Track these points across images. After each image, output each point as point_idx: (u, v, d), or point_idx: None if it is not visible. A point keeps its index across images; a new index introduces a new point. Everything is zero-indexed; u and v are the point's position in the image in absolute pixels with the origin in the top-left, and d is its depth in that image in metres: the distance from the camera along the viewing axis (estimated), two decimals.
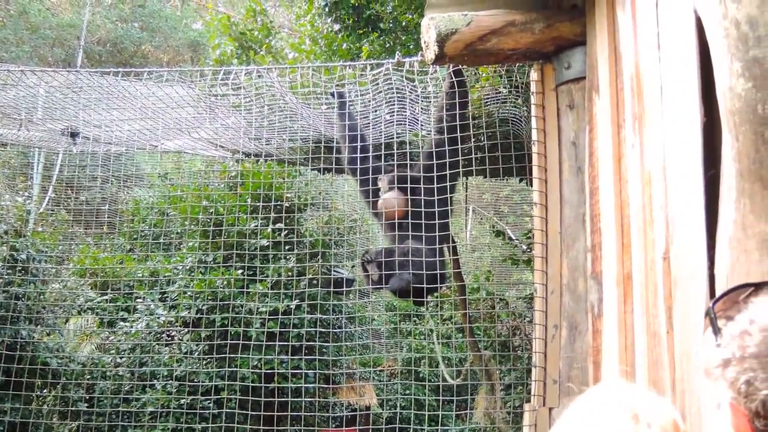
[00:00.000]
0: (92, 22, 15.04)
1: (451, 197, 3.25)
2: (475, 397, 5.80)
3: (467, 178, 7.25)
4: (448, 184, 2.98)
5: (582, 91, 2.11)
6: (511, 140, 3.14)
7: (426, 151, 3.67)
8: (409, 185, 3.27)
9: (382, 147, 3.56)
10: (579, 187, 2.07)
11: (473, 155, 3.10)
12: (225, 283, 5.11)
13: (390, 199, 3.32)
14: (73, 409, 4.38)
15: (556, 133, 2.30)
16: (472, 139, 3.49)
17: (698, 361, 0.90)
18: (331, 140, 4.74)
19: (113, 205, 7.77)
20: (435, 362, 6.44)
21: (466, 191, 7.92)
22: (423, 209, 3.01)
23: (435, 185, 2.98)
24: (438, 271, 2.92)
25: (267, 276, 5.77)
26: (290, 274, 6.06)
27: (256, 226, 6.21)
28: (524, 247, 6.25)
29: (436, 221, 2.94)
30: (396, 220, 3.25)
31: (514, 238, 7.28)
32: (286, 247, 6.51)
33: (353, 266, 9.10)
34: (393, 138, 4.47)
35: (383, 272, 3.03)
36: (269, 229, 5.77)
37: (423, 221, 3.02)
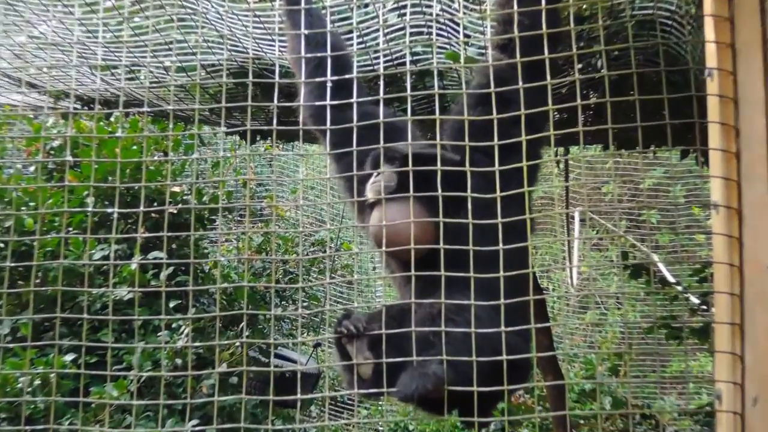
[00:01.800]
0: None
1: (529, 194, 3.19)
2: None
3: (566, 151, 7.24)
4: (524, 164, 2.95)
5: None
6: (661, 69, 3.16)
7: (474, 92, 3.60)
8: (435, 179, 3.15)
9: (381, 83, 3.53)
10: None
11: (579, 101, 3.01)
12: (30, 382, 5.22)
13: (395, 219, 3.35)
14: None
15: (761, 53, 2.51)
16: (577, 67, 3.50)
17: None
18: (271, 67, 4.76)
19: None
20: None
21: (566, 178, 8.67)
22: (468, 222, 3.03)
23: (494, 167, 3.00)
24: (506, 356, 2.86)
25: (125, 367, 5.85)
26: (179, 362, 6.09)
27: (105, 256, 6.27)
28: (695, 300, 6.13)
29: (499, 247, 2.95)
30: (409, 253, 3.27)
31: (672, 280, 7.46)
32: (171, 303, 6.34)
33: (318, 346, 9.45)
34: (404, 60, 4.48)
35: (384, 359, 3.08)
36: (134, 265, 5.73)
37: (470, 250, 3.03)
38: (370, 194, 3.59)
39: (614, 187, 10.77)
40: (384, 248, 3.20)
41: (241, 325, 6.25)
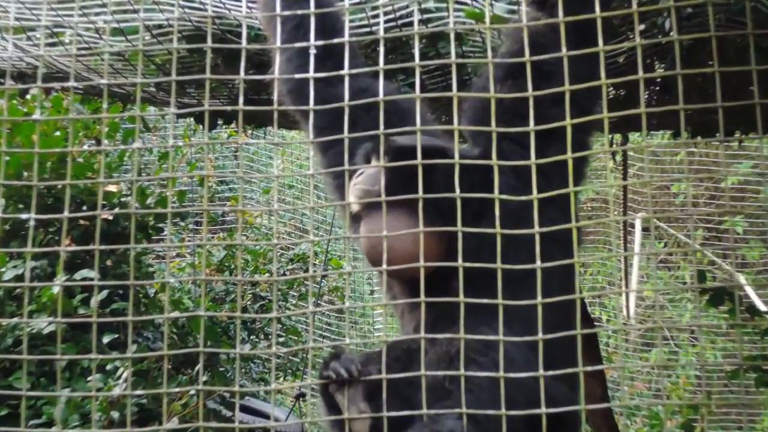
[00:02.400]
0: None
1: (576, 195, 3.43)
2: None
3: (624, 140, 7.48)
4: (568, 156, 3.02)
5: None
6: (748, 33, 3.23)
7: (503, 62, 3.75)
8: (438, 179, 3.37)
9: (381, 50, 3.46)
10: None
11: (641, 74, 3.35)
12: None
13: (395, 231, 3.38)
14: None
15: None
16: (638, 29, 3.90)
17: None
18: (236, 29, 4.93)
19: None
20: None
21: (624, 175, 8.84)
22: (494, 233, 3.06)
23: (529, 160, 3.04)
24: (546, 409, 2.92)
25: (44, 422, 6.05)
26: (115, 415, 6.22)
27: (19, 275, 6.45)
28: None
29: (536, 265, 2.97)
30: (409, 272, 3.34)
31: (763, 308, 7.60)
32: (105, 338, 6.58)
33: (300, 397, 9.54)
34: (411, 20, 4.65)
35: (384, 412, 3.09)
36: (56, 287, 6.01)
37: (497, 268, 3.05)
38: (351, 198, 3.62)
39: (687, 187, 10.81)
40: (374, 266, 3.20)
41: (197, 368, 6.21)
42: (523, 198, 3.02)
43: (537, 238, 2.94)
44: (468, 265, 3.11)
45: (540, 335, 2.96)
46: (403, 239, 3.43)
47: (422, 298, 3.15)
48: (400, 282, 3.88)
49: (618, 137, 6.94)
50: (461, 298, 3.09)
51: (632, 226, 11.75)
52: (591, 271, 14.28)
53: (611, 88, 5.20)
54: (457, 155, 3.11)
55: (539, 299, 3.00)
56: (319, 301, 10.02)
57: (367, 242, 3.71)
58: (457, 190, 3.03)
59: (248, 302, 9.61)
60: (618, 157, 8.58)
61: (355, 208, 3.80)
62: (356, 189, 3.83)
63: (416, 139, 3.25)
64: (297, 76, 3.56)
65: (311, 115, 3.27)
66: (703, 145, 10.60)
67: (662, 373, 11.33)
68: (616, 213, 9.13)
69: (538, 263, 2.92)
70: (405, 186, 3.30)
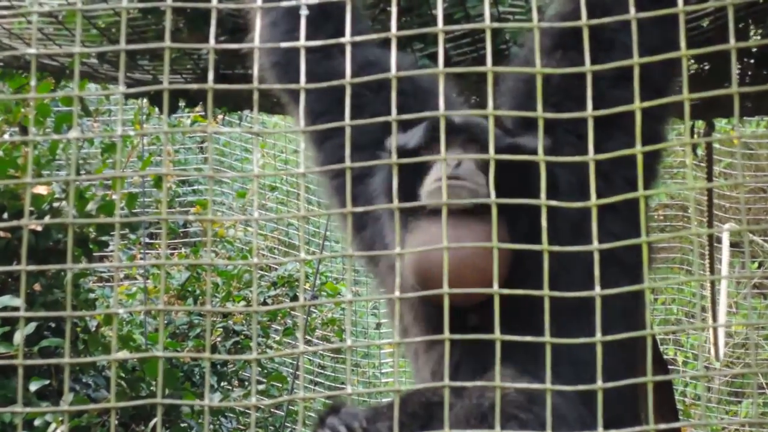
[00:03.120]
0: None
1: (646, 200, 3.70)
2: None
3: (710, 128, 7.55)
4: (638, 151, 2.89)
5: None
6: None
7: (553, 27, 3.85)
8: (519, 179, 3.49)
9: (393, 11, 4.06)
10: None
11: (732, 43, 3.38)
12: None
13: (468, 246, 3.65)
14: None
15: None
16: None
17: None
18: None
19: None
20: None
21: (709, 174, 8.98)
22: (542, 250, 2.92)
23: (585, 155, 2.90)
24: None
25: None
26: None
27: None
28: None
29: (595, 292, 2.85)
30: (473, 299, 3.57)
31: None
32: (33, 385, 6.81)
33: None
34: None
35: None
36: None
37: (545, 296, 2.97)
38: (441, 197, 3.61)
39: None
40: (424, 288, 3.20)
41: (152, 423, 6.22)
42: (577, 204, 2.99)
43: (596, 256, 2.91)
44: (506, 291, 3.00)
45: (599, 383, 2.87)
46: (479, 256, 3.39)
47: (446, 334, 3.00)
48: (424, 309, 3.90)
49: (700, 125, 6.93)
50: (497, 335, 2.96)
51: (719, 240, 11.72)
52: (663, 299, 14.25)
53: (692, 61, 5.19)
54: (541, 151, 3.04)
55: (598, 336, 2.89)
56: (309, 338, 9.99)
57: (421, 261, 3.71)
58: (543, 195, 2.90)
59: (218, 338, 9.60)
60: (700, 151, 8.58)
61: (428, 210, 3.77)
62: (457, 187, 3.86)
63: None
64: (284, 44, 3.58)
65: (302, 96, 3.24)
66: None
67: (757, 430, 11.33)
68: (697, 223, 9.13)
69: (597, 289, 2.88)
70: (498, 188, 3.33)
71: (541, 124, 2.99)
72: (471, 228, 3.51)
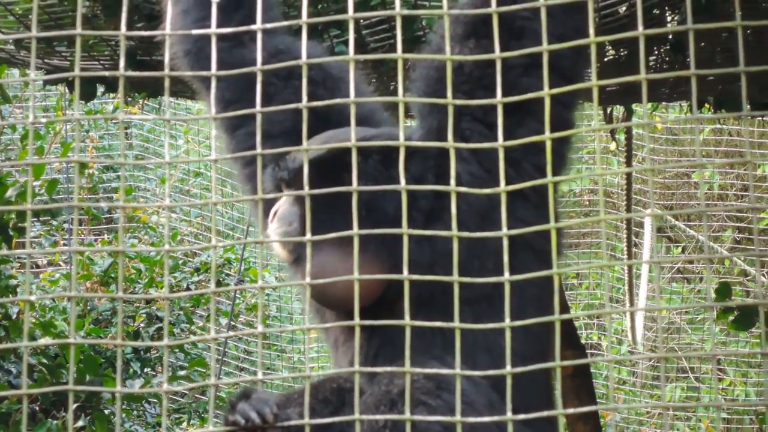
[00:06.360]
0: None
1: (555, 186, 3.74)
2: None
3: (627, 114, 7.62)
4: (546, 137, 2.98)
5: None
6: None
7: (463, 14, 3.87)
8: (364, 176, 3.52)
9: (303, 1, 3.98)
10: None
11: (641, 30, 3.38)
12: None
13: (332, 266, 3.75)
14: None
15: None
16: None
17: None
18: None
19: None
20: None
21: (628, 160, 9.17)
22: (451, 235, 3.04)
23: (495, 142, 3.08)
24: None
25: None
26: None
27: None
28: None
29: (504, 278, 2.98)
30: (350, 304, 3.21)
31: None
32: None
33: None
34: None
35: None
36: None
37: (454, 281, 3.02)
38: (275, 246, 3.75)
39: (712, 174, 10.91)
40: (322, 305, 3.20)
41: (70, 409, 6.18)
42: (486, 191, 2.98)
43: (505, 243, 2.91)
44: (415, 277, 3.02)
45: (508, 368, 2.91)
46: (342, 276, 3.40)
47: (356, 321, 3.09)
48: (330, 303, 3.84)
49: (620, 110, 6.96)
50: (407, 321, 3.00)
51: (641, 225, 11.78)
52: (587, 284, 14.30)
53: (610, 48, 5.21)
54: (450, 138, 3.06)
55: (507, 322, 2.96)
56: (233, 323, 9.94)
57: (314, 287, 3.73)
58: (402, 181, 2.92)
59: (142, 324, 9.51)
60: (620, 136, 8.62)
61: (283, 255, 3.83)
62: (276, 234, 3.98)
63: (334, 137, 3.27)
64: (195, 32, 3.56)
65: (213, 84, 3.24)
66: (733, 121, 10.70)
67: (679, 414, 11.42)
68: (607, 210, 9.17)
69: (507, 275, 2.90)
70: (330, 204, 3.32)
71: (450, 110, 2.99)
72: (330, 254, 3.53)
